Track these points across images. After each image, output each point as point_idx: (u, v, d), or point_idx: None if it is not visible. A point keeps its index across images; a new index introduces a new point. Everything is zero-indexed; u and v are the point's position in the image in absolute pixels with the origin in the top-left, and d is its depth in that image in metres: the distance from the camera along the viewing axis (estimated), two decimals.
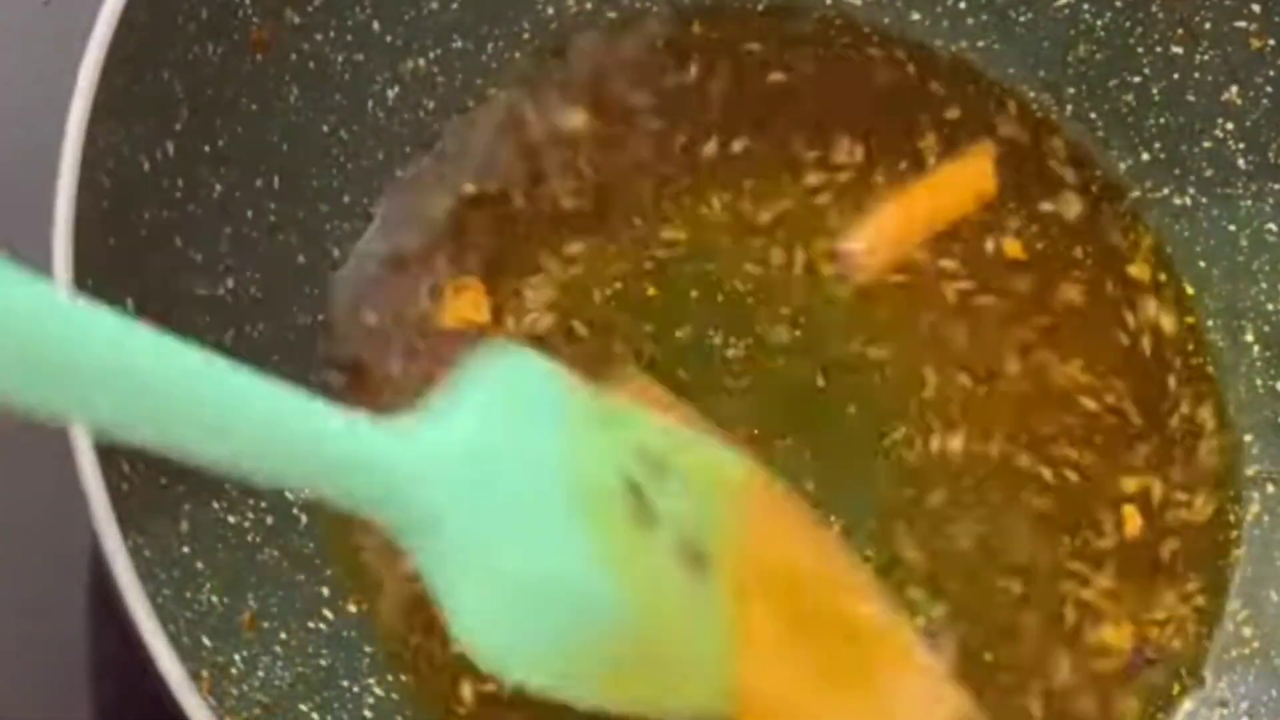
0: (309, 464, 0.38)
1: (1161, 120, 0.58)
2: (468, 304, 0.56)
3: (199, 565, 0.48)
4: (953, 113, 0.60)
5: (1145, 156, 0.59)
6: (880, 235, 0.58)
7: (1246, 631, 0.55)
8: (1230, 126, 0.57)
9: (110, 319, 0.35)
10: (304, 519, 0.53)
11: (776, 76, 0.60)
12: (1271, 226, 0.57)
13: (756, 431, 0.55)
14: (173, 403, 0.36)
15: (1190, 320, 0.58)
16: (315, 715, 0.49)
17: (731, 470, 0.50)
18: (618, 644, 0.44)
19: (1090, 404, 0.57)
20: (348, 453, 0.39)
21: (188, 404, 0.36)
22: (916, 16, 0.60)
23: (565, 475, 0.43)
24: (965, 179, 0.59)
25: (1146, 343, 0.58)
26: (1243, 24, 0.56)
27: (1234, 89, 0.57)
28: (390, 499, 0.40)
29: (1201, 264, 0.58)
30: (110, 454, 0.43)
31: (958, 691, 0.53)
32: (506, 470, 0.42)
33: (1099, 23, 0.58)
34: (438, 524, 0.40)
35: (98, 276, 0.45)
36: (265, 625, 0.50)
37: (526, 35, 0.59)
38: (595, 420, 0.45)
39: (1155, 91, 0.58)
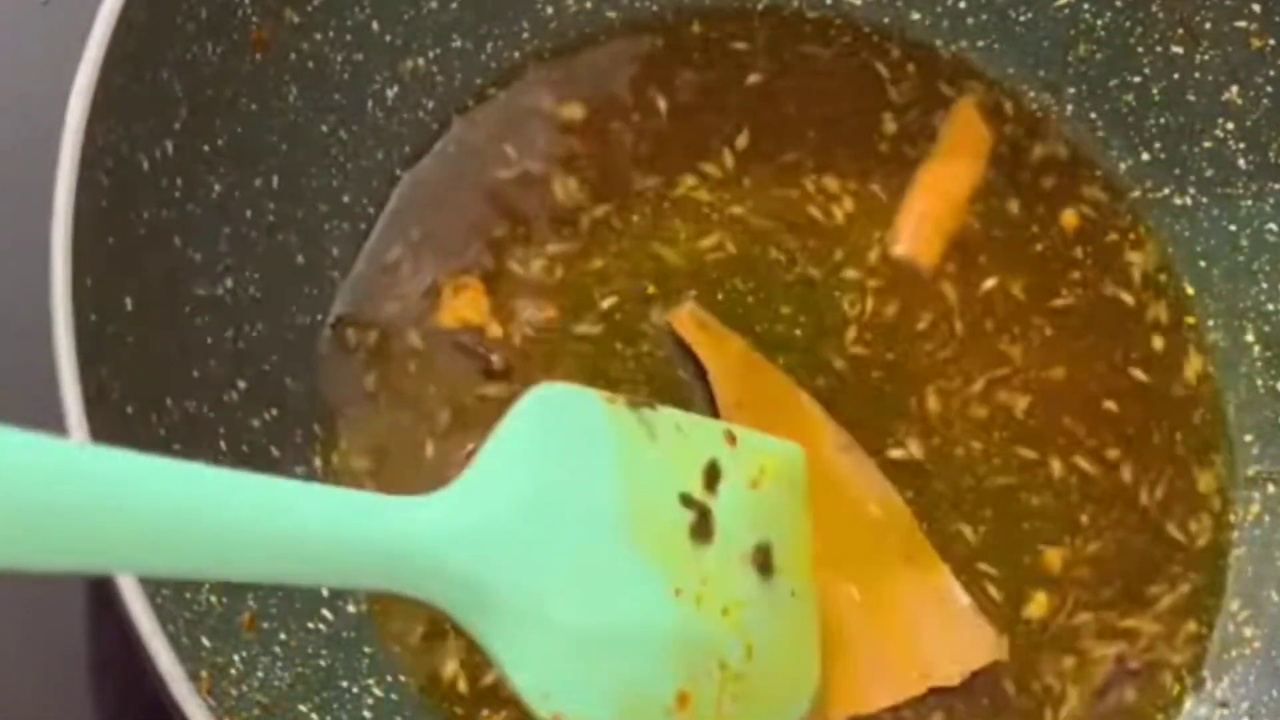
0: (347, 562, 0.37)
1: (1161, 120, 0.58)
2: (466, 303, 0.56)
3: None
4: (952, 114, 0.60)
5: (1145, 156, 0.59)
6: (923, 225, 0.57)
7: (1246, 631, 0.55)
8: (1230, 126, 0.57)
9: (119, 461, 0.33)
10: None
11: (776, 76, 0.60)
12: (1271, 226, 0.57)
13: None
14: (196, 532, 0.34)
15: (1190, 320, 0.58)
16: (315, 715, 0.49)
17: (786, 459, 0.49)
18: (695, 664, 0.43)
19: (1090, 404, 0.57)
20: (383, 542, 0.37)
21: (210, 531, 0.34)
22: (916, 16, 0.60)
23: (619, 507, 0.42)
24: (961, 138, 0.58)
25: (1146, 343, 0.58)
26: (1243, 24, 0.56)
27: (1234, 89, 0.57)
28: (437, 578, 0.38)
29: (1201, 264, 0.58)
30: None
31: (994, 635, 0.53)
32: (556, 520, 0.41)
33: (1099, 23, 0.58)
34: (487, 593, 0.39)
35: (97, 276, 0.45)
36: (265, 625, 0.50)
37: (526, 35, 0.59)
38: (642, 439, 0.44)
39: (1155, 91, 0.58)
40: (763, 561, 0.46)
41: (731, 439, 0.48)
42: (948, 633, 0.53)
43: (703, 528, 0.44)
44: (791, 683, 0.48)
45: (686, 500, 0.44)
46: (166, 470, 0.34)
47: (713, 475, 0.45)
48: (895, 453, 0.55)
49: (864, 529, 0.53)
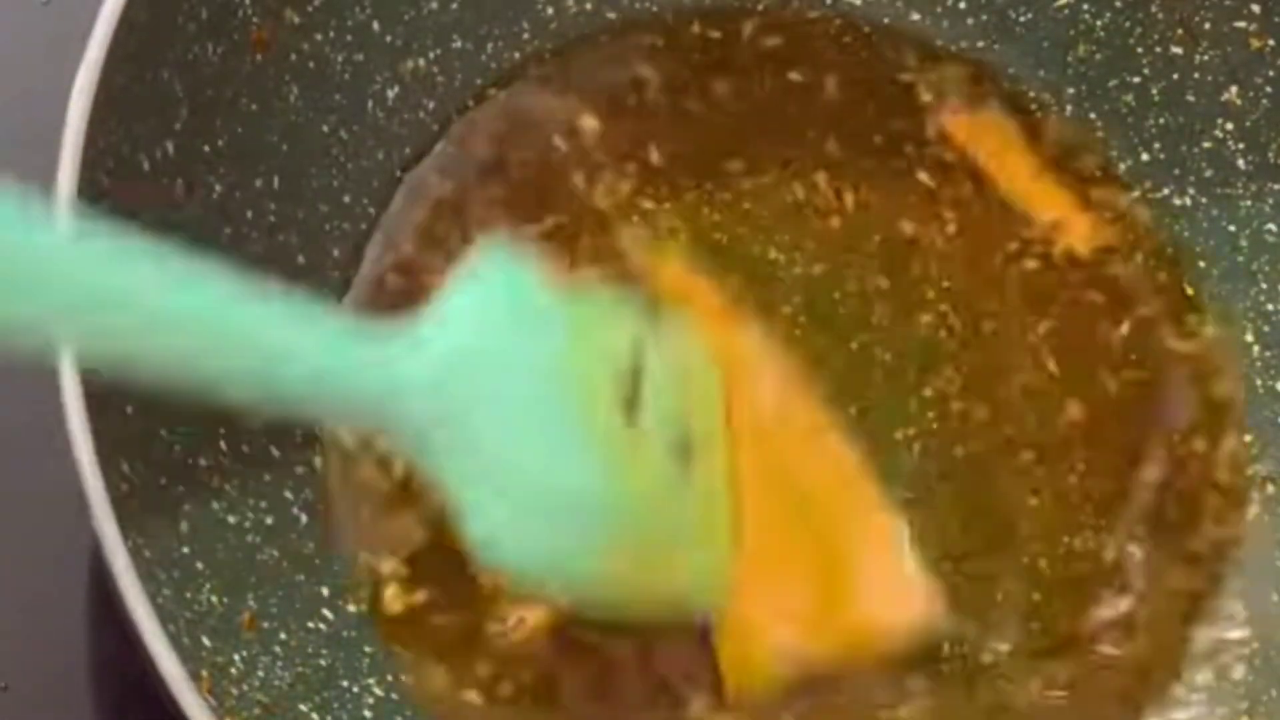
0: (308, 379, 0.39)
1: (1161, 120, 0.58)
2: None
3: (199, 565, 0.48)
4: (953, 113, 0.60)
5: (1145, 156, 0.59)
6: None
7: (1246, 632, 0.55)
8: (1230, 126, 0.57)
9: (97, 240, 0.35)
10: (304, 519, 0.53)
11: (776, 76, 0.60)
12: (1271, 226, 0.57)
13: None
14: (171, 325, 0.36)
15: (1190, 320, 0.58)
16: (315, 715, 0.49)
17: (705, 364, 0.50)
18: (620, 537, 0.45)
19: (1090, 404, 0.57)
20: (347, 361, 0.39)
21: (181, 322, 0.36)
22: (916, 16, 0.60)
23: (560, 376, 0.44)
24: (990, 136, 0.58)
25: (1146, 343, 0.58)
26: (1243, 24, 0.56)
27: (1234, 89, 0.57)
28: (395, 406, 0.40)
29: (1201, 264, 0.58)
30: (110, 454, 0.43)
31: (932, 592, 0.53)
32: (504, 372, 0.43)
33: (1099, 23, 0.58)
34: (443, 427, 0.41)
35: None
36: (265, 625, 0.50)
37: (526, 35, 0.59)
38: (584, 320, 0.46)
39: (1155, 91, 0.58)
40: (681, 449, 0.47)
41: (658, 327, 0.49)
42: (886, 587, 0.53)
43: (633, 404, 0.45)
44: (701, 571, 0.49)
45: (620, 377, 0.46)
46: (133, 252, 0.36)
47: (640, 354, 0.47)
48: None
49: (825, 477, 0.53)
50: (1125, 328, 0.58)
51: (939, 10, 0.60)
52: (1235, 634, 0.55)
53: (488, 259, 0.45)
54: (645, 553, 0.46)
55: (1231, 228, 0.58)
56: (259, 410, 0.40)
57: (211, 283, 0.37)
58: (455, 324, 0.43)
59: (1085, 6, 0.59)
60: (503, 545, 0.43)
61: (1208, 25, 0.57)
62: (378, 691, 0.52)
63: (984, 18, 0.60)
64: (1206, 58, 0.57)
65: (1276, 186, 0.57)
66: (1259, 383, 0.57)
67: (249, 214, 0.53)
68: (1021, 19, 0.60)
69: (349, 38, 0.55)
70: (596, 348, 0.46)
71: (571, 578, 0.45)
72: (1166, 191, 0.59)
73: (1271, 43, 0.56)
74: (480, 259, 0.45)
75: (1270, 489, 0.56)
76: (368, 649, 0.53)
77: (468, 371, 0.42)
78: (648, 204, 0.58)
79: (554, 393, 0.44)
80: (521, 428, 0.43)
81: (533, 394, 0.43)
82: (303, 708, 0.49)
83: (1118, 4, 0.58)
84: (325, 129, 0.55)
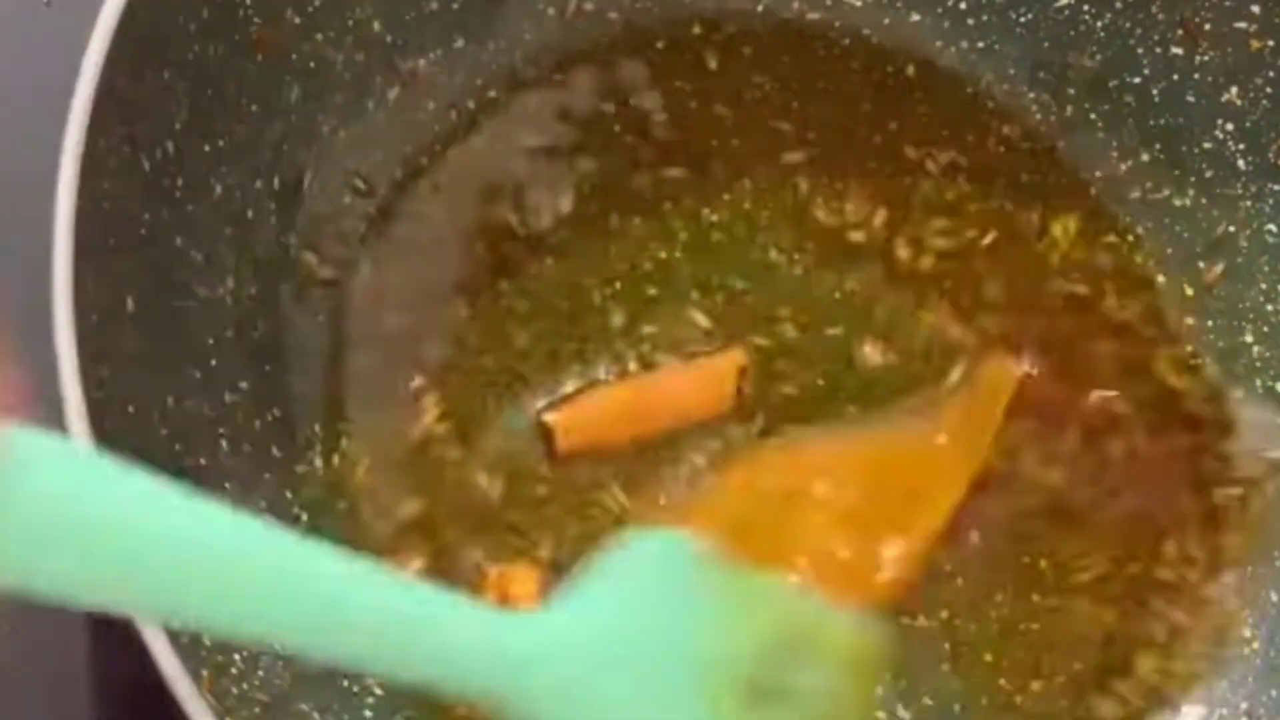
0: (425, 654, 0.37)
1: (1161, 120, 0.58)
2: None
3: None
4: (953, 113, 0.60)
5: (1145, 157, 0.59)
6: None
7: (1246, 632, 0.55)
8: (1230, 127, 0.57)
9: (174, 496, 0.33)
10: (304, 518, 0.53)
11: (776, 77, 0.60)
12: (1271, 227, 0.57)
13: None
14: (275, 596, 0.34)
15: (1190, 321, 0.58)
16: (315, 715, 0.49)
17: (860, 643, 0.49)
18: None
19: (1090, 404, 0.57)
20: (471, 641, 0.38)
21: (291, 597, 0.34)
22: (917, 17, 0.60)
23: (696, 659, 0.43)
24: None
25: (1144, 342, 0.58)
26: (1243, 25, 0.56)
27: (1234, 89, 0.57)
28: (513, 689, 0.39)
29: (1201, 264, 0.58)
30: (110, 454, 0.43)
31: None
32: (636, 655, 0.42)
33: (1099, 23, 0.58)
34: (561, 701, 0.40)
35: (98, 276, 0.45)
36: None
37: (527, 36, 0.59)
38: (733, 601, 0.44)
39: (1155, 91, 0.58)
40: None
41: (810, 610, 0.48)
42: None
43: (764, 694, 0.44)
44: None
45: (757, 667, 0.44)
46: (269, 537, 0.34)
47: (787, 648, 0.45)
48: None
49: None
50: (1124, 328, 0.58)
51: (939, 11, 0.60)
52: (1235, 634, 0.55)
53: (637, 537, 0.44)
54: None
55: (1231, 228, 0.58)
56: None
57: (332, 561, 0.36)
58: (586, 605, 0.41)
59: (1085, 7, 0.59)
60: None
61: (1208, 26, 0.57)
62: (378, 691, 0.52)
63: (984, 18, 0.60)
64: (1206, 58, 0.57)
65: (1276, 186, 0.57)
66: (1259, 383, 0.57)
67: (249, 214, 0.53)
68: (1021, 19, 0.60)
69: (349, 38, 0.55)
70: (737, 630, 0.44)
71: None
72: (1166, 192, 0.59)
73: (1271, 43, 0.56)
74: (636, 536, 0.44)
75: (1270, 489, 0.56)
76: None
77: (600, 657, 0.41)
78: (647, 204, 0.58)
79: (682, 671, 0.42)
80: (640, 705, 0.42)
81: (659, 672, 0.42)
82: (303, 707, 0.49)
83: (1118, 4, 0.58)
84: (325, 129, 0.55)
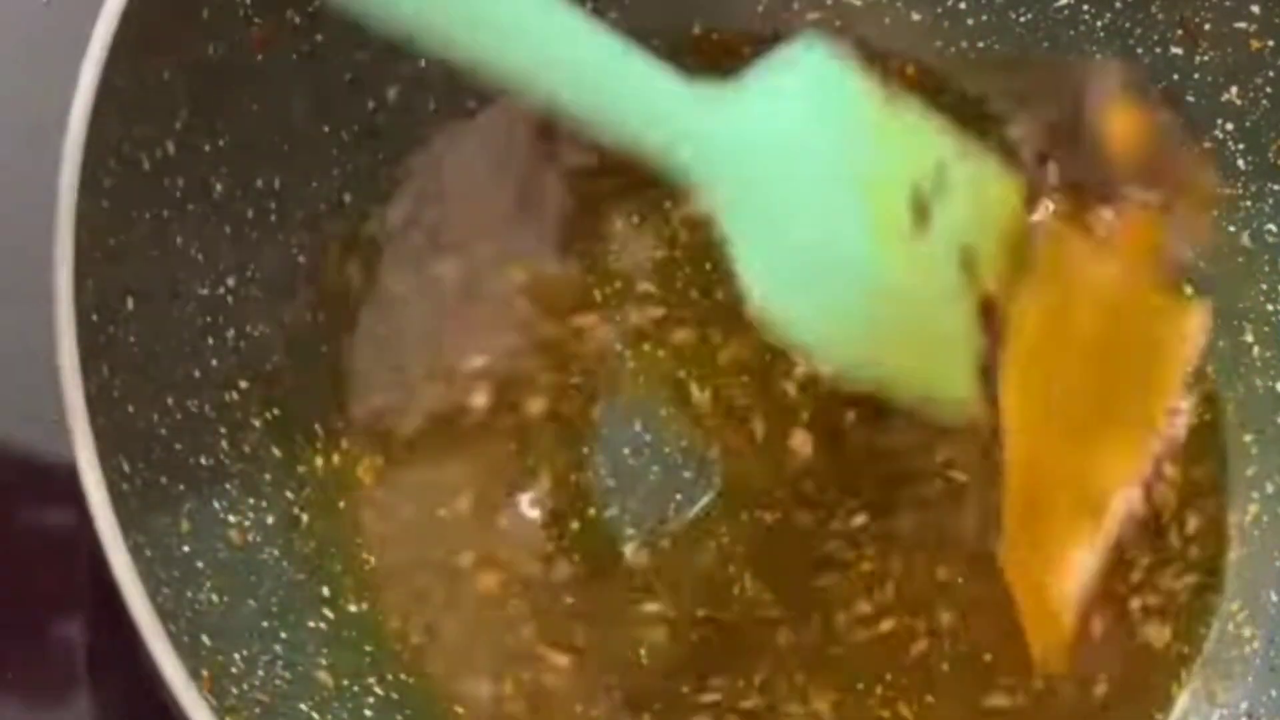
0: (642, 111, 0.43)
1: (1161, 120, 0.58)
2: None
3: (199, 565, 0.48)
4: (953, 113, 0.60)
5: None
6: None
7: (1246, 631, 0.55)
8: (1230, 127, 0.57)
9: None
10: (304, 519, 0.53)
11: None
12: (1271, 227, 0.57)
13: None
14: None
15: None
16: (315, 715, 0.49)
17: (1007, 192, 0.52)
18: (882, 312, 0.47)
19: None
20: (683, 108, 0.44)
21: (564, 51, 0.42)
22: (917, 17, 0.60)
23: (859, 167, 0.46)
24: None
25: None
26: (1243, 25, 0.56)
27: (1234, 89, 0.57)
28: (709, 160, 0.44)
29: (1201, 264, 0.58)
30: (110, 454, 0.43)
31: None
32: (811, 151, 0.46)
33: (1099, 23, 0.58)
34: (746, 189, 0.45)
35: (98, 276, 0.45)
36: (265, 625, 0.50)
37: None
38: (892, 128, 0.48)
39: (1155, 92, 0.58)
40: (967, 260, 0.49)
41: (964, 154, 0.51)
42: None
43: (919, 215, 0.47)
44: (954, 377, 0.50)
45: (913, 190, 0.47)
46: None
47: (940, 179, 0.48)
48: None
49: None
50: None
51: (939, 11, 0.60)
52: (1234, 634, 0.55)
53: (809, 51, 0.47)
54: (901, 325, 0.48)
55: (1231, 228, 0.58)
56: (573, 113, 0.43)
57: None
58: (772, 98, 0.45)
59: (1085, 7, 0.59)
60: (774, 298, 0.46)
61: (1208, 25, 0.56)
62: (378, 691, 0.52)
63: (984, 18, 0.60)
64: (1206, 58, 0.57)
65: (1276, 187, 0.57)
66: (1259, 383, 0.57)
67: (249, 214, 0.53)
68: (1021, 19, 0.60)
69: (349, 38, 0.55)
70: (899, 160, 0.48)
71: (834, 343, 0.47)
72: None
73: (1271, 43, 0.56)
74: (801, 50, 0.47)
75: (1270, 489, 0.56)
76: (368, 649, 0.53)
77: (774, 142, 0.45)
78: (647, 203, 0.58)
79: (849, 183, 0.46)
80: (812, 201, 0.46)
81: (829, 178, 0.46)
82: (303, 707, 0.49)
83: (1118, 4, 0.58)
84: (326, 129, 0.55)
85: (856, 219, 0.46)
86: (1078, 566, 0.51)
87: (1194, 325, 0.54)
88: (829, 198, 0.46)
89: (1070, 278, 0.53)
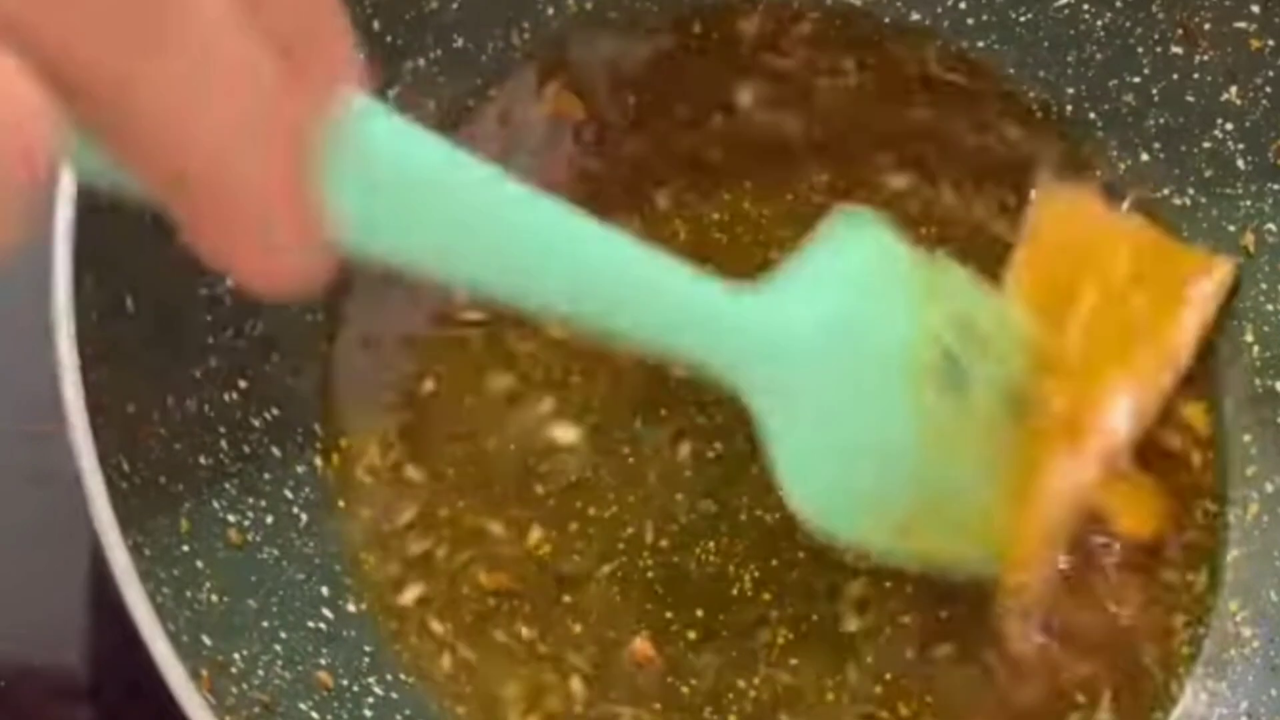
0: (672, 321, 0.41)
1: (1161, 120, 0.58)
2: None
3: (199, 565, 0.48)
4: (952, 113, 0.60)
5: (1145, 156, 0.59)
6: None
7: (1246, 631, 0.55)
8: (1230, 126, 0.57)
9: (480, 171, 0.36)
10: (304, 519, 0.53)
11: (776, 76, 0.60)
12: (1271, 227, 0.57)
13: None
14: (550, 261, 0.37)
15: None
16: (315, 715, 0.49)
17: (1028, 328, 0.52)
18: (916, 502, 0.46)
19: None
20: (715, 315, 0.42)
21: (568, 263, 0.37)
22: (916, 16, 0.60)
23: (902, 349, 0.45)
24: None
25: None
26: (1243, 24, 0.56)
27: (1234, 89, 0.57)
28: (745, 363, 0.42)
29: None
30: (110, 454, 0.43)
31: None
32: (855, 343, 0.44)
33: (1099, 23, 0.58)
34: (786, 391, 0.43)
35: (98, 276, 0.45)
36: (265, 625, 0.50)
37: (527, 36, 0.59)
38: (926, 292, 0.47)
39: (1155, 91, 0.58)
40: (1016, 402, 0.49)
41: (983, 299, 0.51)
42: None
43: (952, 379, 0.47)
44: (992, 519, 0.50)
45: (944, 353, 0.47)
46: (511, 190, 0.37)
47: (968, 331, 0.48)
48: None
49: None
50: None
51: (939, 10, 0.60)
52: (1234, 634, 0.55)
53: (850, 224, 0.46)
54: (935, 509, 0.47)
55: (1231, 228, 0.58)
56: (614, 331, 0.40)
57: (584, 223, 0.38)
58: (815, 290, 0.44)
59: (1085, 6, 0.59)
60: (816, 499, 0.45)
61: (1208, 25, 0.56)
62: (378, 691, 0.52)
63: (984, 18, 0.60)
64: (1206, 58, 0.57)
65: (1276, 186, 0.57)
66: (1259, 383, 0.57)
67: None
68: (1021, 19, 0.60)
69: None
70: (927, 320, 0.46)
71: (876, 531, 0.46)
72: (1166, 191, 0.59)
73: (1271, 43, 0.56)
74: (842, 223, 0.46)
75: (1270, 489, 0.56)
76: (368, 649, 0.53)
77: (818, 339, 0.44)
78: (647, 203, 0.58)
79: (892, 361, 0.45)
80: (856, 396, 0.44)
81: (873, 361, 0.45)
82: (303, 707, 0.49)
83: (1118, 4, 0.58)
84: None
85: (900, 405, 0.45)
86: (1066, 474, 0.52)
87: (1217, 278, 0.56)
88: (873, 389, 0.45)
89: (1092, 225, 0.54)
